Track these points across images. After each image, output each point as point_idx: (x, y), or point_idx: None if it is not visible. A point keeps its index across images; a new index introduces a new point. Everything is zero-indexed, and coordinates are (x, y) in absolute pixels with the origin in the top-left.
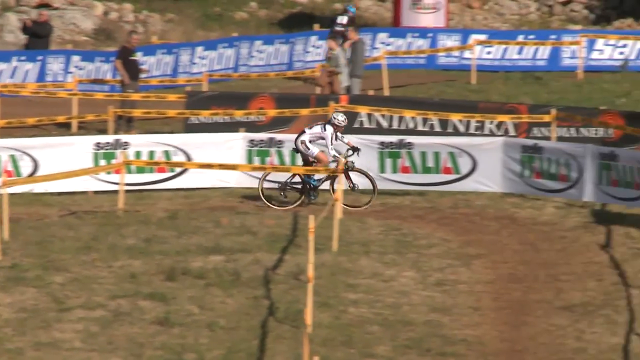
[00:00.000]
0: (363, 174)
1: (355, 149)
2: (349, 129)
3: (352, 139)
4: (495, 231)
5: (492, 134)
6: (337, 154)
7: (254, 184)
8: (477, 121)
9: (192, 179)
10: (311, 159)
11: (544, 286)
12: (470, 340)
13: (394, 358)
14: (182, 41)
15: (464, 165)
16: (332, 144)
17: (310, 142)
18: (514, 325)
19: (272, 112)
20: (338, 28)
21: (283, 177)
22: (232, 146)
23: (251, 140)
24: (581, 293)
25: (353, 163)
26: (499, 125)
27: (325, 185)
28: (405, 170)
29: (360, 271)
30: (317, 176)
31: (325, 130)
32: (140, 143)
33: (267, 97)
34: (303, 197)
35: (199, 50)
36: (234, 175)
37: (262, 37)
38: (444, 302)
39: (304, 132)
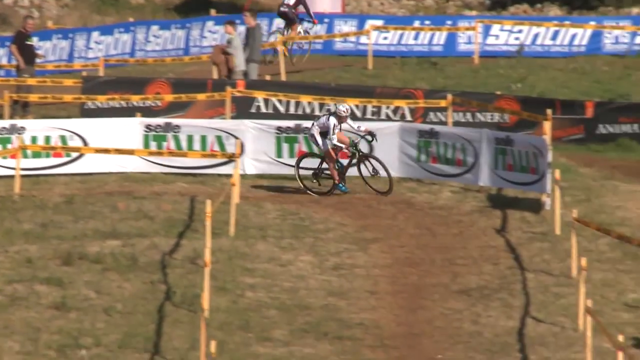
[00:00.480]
0: (375, 159)
1: (370, 134)
2: (245, 114)
3: (248, 124)
4: (392, 215)
5: (388, 119)
6: (338, 144)
7: (151, 168)
8: (374, 106)
9: (89, 164)
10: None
11: (441, 270)
12: (367, 324)
13: (291, 342)
14: (78, 26)
15: (363, 149)
16: (334, 134)
17: (320, 134)
18: (410, 309)
19: (169, 97)
20: (283, 9)
21: (315, 163)
22: (128, 131)
23: (148, 125)
24: (477, 277)
25: (358, 150)
26: (396, 110)
27: (354, 171)
28: (302, 154)
29: (258, 255)
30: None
31: (329, 120)
32: (36, 128)
33: (163, 82)
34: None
35: (95, 35)
36: (131, 160)
37: (159, 22)
38: (341, 286)
39: (313, 124)
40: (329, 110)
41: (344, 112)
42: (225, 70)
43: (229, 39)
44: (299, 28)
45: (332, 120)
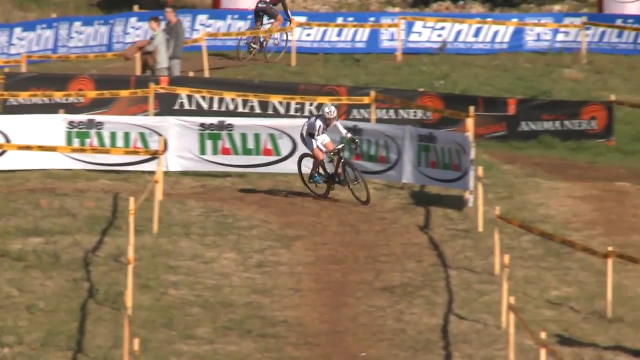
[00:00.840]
0: (354, 168)
1: (353, 142)
2: (168, 111)
3: (171, 121)
4: (316, 213)
5: (312, 116)
6: (321, 146)
7: (74, 165)
8: (297, 103)
9: (11, 161)
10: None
11: (364, 267)
12: (290, 322)
13: (215, 340)
14: (0, 22)
15: (284, 146)
16: (318, 134)
17: (309, 135)
18: (334, 307)
19: (92, 94)
20: (261, 5)
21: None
22: (51, 128)
23: (70, 122)
24: (400, 274)
25: (340, 156)
26: (319, 107)
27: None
28: (225, 151)
29: (181, 253)
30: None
31: (315, 121)
32: None
33: (86, 79)
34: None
35: (17, 31)
36: (54, 157)
37: (81, 19)
38: (265, 284)
39: (304, 125)
40: (316, 116)
41: (327, 113)
42: (142, 68)
43: (153, 35)
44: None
45: (318, 122)
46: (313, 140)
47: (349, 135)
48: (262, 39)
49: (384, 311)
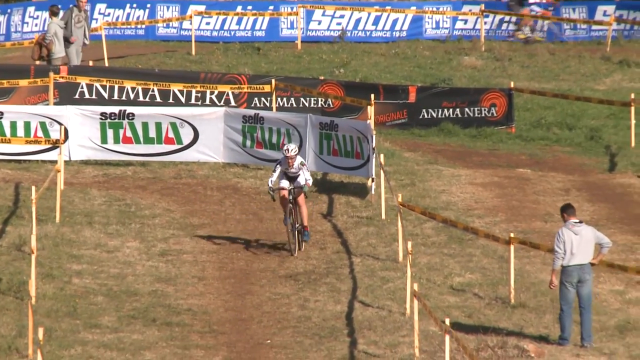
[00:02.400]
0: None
1: (296, 189)
2: (69, 100)
3: (72, 110)
4: (219, 201)
5: (213, 104)
6: (270, 184)
7: None
8: (198, 91)
9: None
10: None
11: (268, 255)
12: (195, 310)
13: (120, 328)
14: None
15: (186, 135)
16: (273, 175)
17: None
18: (238, 294)
19: None
20: None
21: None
22: None
23: None
24: (304, 262)
25: (290, 197)
26: (220, 95)
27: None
28: (127, 140)
29: (84, 242)
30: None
31: (278, 161)
32: None
33: None
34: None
35: None
36: None
37: None
38: (169, 272)
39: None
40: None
41: (286, 151)
42: (37, 55)
43: (49, 24)
44: None
45: (279, 161)
46: (269, 181)
47: (308, 182)
48: None
49: (288, 299)
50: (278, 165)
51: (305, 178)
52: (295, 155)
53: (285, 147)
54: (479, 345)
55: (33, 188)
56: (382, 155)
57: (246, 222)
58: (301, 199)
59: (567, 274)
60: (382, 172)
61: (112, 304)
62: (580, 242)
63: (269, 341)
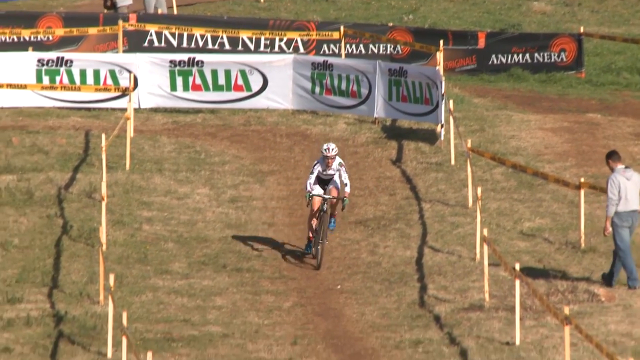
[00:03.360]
0: (325, 224)
1: (340, 199)
2: (138, 48)
3: (141, 57)
4: (288, 148)
5: (282, 51)
6: (310, 190)
7: (44, 103)
8: (267, 38)
9: None
10: None
11: (337, 201)
12: (265, 256)
13: (190, 274)
14: None
15: (255, 82)
16: (311, 177)
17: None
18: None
19: (60, 32)
20: None
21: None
22: (21, 65)
23: (40, 60)
24: (374, 208)
25: (324, 207)
26: (289, 42)
27: None
28: (196, 88)
29: (154, 189)
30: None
31: (315, 164)
32: None
33: (54, 17)
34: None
35: None
36: (24, 95)
37: None
38: (239, 219)
39: None
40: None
41: (325, 151)
42: (109, 4)
43: None
44: None
45: (317, 162)
46: (307, 183)
47: (346, 189)
48: None
49: (358, 244)
50: (316, 166)
51: (344, 182)
52: (335, 155)
53: (325, 146)
54: (549, 289)
55: (103, 136)
56: (451, 101)
57: None
58: (333, 209)
59: (622, 218)
60: (451, 117)
61: (183, 251)
62: (633, 188)
63: (339, 287)
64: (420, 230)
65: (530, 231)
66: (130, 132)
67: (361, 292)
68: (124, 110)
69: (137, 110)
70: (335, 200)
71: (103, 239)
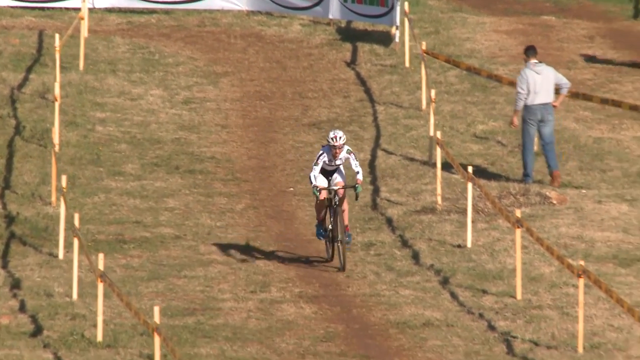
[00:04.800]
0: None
1: (354, 188)
2: None
3: None
4: (242, 49)
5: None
6: (314, 182)
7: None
8: None
9: None
10: None
11: (291, 103)
12: (218, 158)
13: (143, 176)
14: None
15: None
16: (315, 169)
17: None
18: (261, 143)
19: None
20: None
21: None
22: None
23: None
24: (328, 110)
25: (334, 202)
26: None
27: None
28: None
29: (108, 90)
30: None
31: (320, 154)
32: None
33: None
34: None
35: None
36: None
37: None
38: (192, 120)
39: None
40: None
41: (332, 140)
42: None
43: None
44: None
45: (321, 151)
46: (311, 175)
47: (358, 177)
48: None
49: (311, 147)
50: (322, 156)
51: (355, 170)
52: (343, 144)
53: (332, 134)
54: (501, 192)
55: (57, 36)
56: (406, 3)
57: (270, 70)
58: (345, 203)
59: (530, 112)
60: (406, 20)
61: (136, 152)
62: (542, 82)
63: (291, 189)
64: (374, 133)
65: (484, 134)
66: (84, 33)
67: (313, 194)
68: (77, 10)
69: (92, 11)
70: (343, 190)
71: (56, 139)
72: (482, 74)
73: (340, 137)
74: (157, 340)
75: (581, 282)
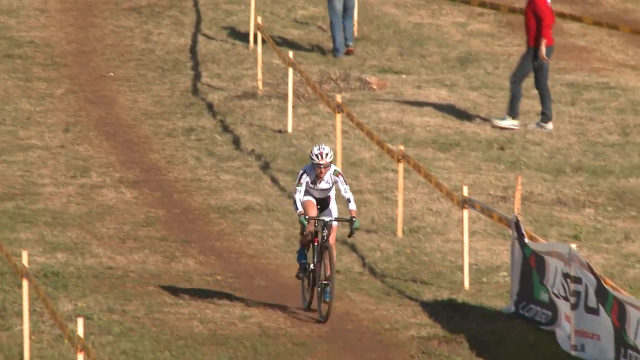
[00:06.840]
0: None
1: (351, 221)
2: None
3: None
4: None
5: None
6: (300, 208)
7: None
8: None
9: None
10: None
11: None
12: (37, 42)
13: None
14: None
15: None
16: (299, 190)
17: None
18: (81, 27)
19: None
20: None
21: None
22: None
23: None
24: None
25: (322, 236)
26: None
27: None
28: None
29: None
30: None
31: (303, 170)
32: None
33: None
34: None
35: None
36: None
37: None
38: (10, 4)
39: None
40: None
41: (315, 157)
42: None
43: None
44: None
45: (304, 170)
46: (295, 198)
47: (351, 206)
48: None
49: (131, 31)
50: (303, 175)
51: (345, 197)
52: (330, 162)
53: (316, 150)
54: (321, 78)
55: None
56: None
57: None
58: (332, 237)
59: None
60: None
61: None
62: None
63: (112, 74)
64: (195, 18)
65: (304, 19)
66: None
67: (134, 79)
68: None
69: None
70: (335, 226)
71: None
72: None
73: (326, 154)
74: None
75: (401, 166)
